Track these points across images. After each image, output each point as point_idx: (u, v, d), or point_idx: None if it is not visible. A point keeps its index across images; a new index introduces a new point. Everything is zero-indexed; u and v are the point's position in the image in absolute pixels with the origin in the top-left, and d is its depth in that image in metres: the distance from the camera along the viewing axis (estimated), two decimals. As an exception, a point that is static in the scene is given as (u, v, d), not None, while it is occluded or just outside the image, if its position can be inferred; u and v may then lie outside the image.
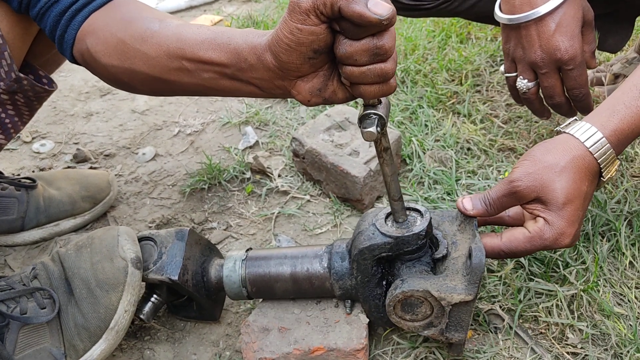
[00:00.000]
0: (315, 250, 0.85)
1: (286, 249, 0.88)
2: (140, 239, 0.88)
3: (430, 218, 0.80)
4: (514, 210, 0.89)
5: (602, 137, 0.79)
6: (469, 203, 0.83)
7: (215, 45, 0.73)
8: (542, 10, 0.94)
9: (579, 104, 1.03)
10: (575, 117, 0.86)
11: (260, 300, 0.90)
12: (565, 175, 0.78)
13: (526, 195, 0.80)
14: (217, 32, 0.75)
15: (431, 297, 0.75)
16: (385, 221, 0.80)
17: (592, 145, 0.79)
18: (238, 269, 0.86)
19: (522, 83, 1.03)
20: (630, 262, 0.96)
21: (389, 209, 0.80)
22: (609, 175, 0.81)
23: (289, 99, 1.43)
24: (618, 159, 0.83)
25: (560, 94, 1.01)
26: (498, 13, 1.00)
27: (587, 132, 0.80)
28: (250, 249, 0.90)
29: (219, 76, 0.74)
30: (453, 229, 0.85)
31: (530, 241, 0.79)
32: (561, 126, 0.84)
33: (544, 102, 1.05)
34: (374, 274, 0.80)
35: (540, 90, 1.03)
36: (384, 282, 0.82)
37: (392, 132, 1.16)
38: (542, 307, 0.90)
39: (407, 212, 0.80)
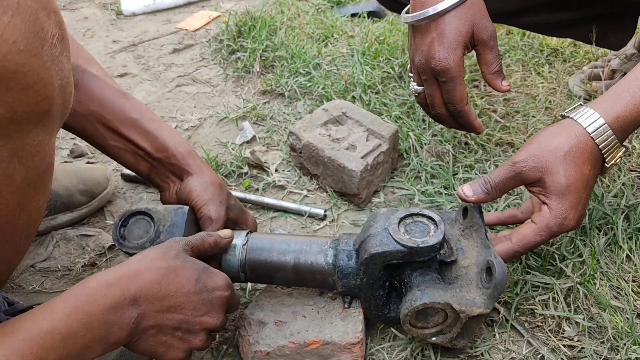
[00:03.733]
0: (320, 244, 0.84)
1: (289, 237, 0.86)
2: (136, 213, 0.86)
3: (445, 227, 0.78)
4: (525, 206, 0.91)
5: (604, 124, 0.79)
6: (469, 190, 0.83)
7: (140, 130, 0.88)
8: (431, 11, 0.95)
9: (457, 119, 1.03)
10: (580, 102, 0.86)
11: (258, 293, 0.90)
12: (567, 160, 0.79)
13: (530, 177, 0.80)
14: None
15: (450, 309, 0.75)
16: (399, 226, 0.78)
17: (594, 132, 0.79)
18: (238, 254, 0.83)
19: (412, 85, 1.05)
20: (627, 256, 0.96)
21: (402, 213, 0.79)
22: (612, 162, 0.82)
23: (286, 94, 1.43)
24: (624, 146, 0.82)
25: (440, 105, 1.02)
26: (403, 14, 1.01)
27: (589, 118, 0.80)
28: (251, 232, 0.88)
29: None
30: (455, 232, 0.84)
31: (539, 232, 0.80)
32: (566, 110, 0.84)
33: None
34: (380, 277, 0.79)
35: None
36: (387, 284, 0.82)
37: (390, 126, 1.16)
38: (539, 300, 0.90)
39: (420, 219, 0.79)
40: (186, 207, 0.86)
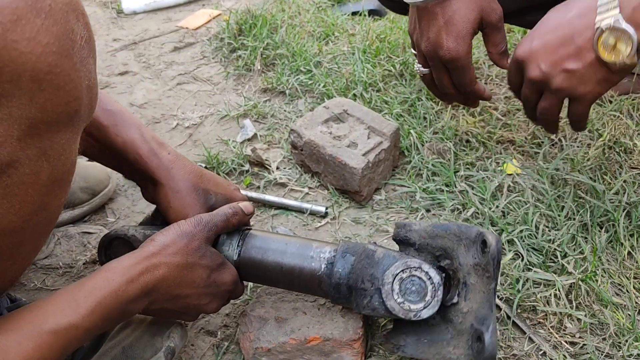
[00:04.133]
0: (316, 256, 0.79)
1: (286, 240, 0.82)
2: (117, 238, 0.83)
3: (442, 296, 0.73)
4: None
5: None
6: None
7: None
8: None
9: (470, 97, 1.04)
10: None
11: (259, 290, 0.90)
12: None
13: None
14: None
15: None
16: (393, 284, 0.73)
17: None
18: (233, 252, 0.81)
19: (418, 67, 1.04)
20: (629, 253, 0.96)
21: (399, 266, 0.73)
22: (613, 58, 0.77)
23: (287, 92, 1.43)
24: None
25: (449, 86, 1.01)
26: None
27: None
28: (248, 229, 0.84)
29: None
30: (469, 260, 0.74)
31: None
32: None
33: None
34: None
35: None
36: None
37: (391, 124, 1.16)
38: (540, 297, 0.90)
39: (418, 274, 0.73)
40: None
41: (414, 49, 1.05)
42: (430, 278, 0.73)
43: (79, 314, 0.62)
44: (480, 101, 1.30)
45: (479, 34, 0.99)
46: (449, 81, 1.00)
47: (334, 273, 0.77)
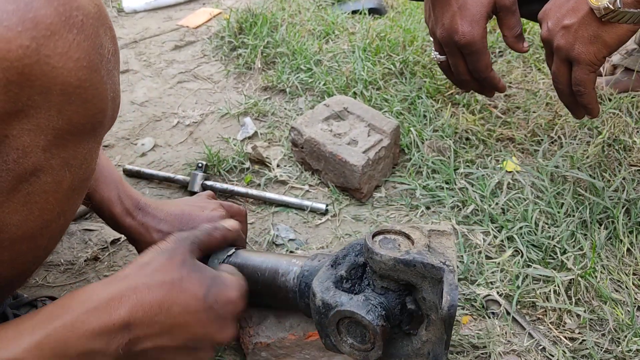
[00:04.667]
0: (288, 266, 0.78)
1: (267, 255, 0.83)
2: None
3: (383, 342, 0.67)
4: None
5: None
6: None
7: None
8: None
9: (485, 85, 1.04)
10: None
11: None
12: None
13: None
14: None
15: None
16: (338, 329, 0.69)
17: None
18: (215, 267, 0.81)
19: (434, 54, 1.04)
20: (628, 250, 0.97)
21: (336, 316, 0.68)
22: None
23: (287, 90, 1.43)
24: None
25: (464, 72, 1.02)
26: None
27: None
28: (237, 248, 0.85)
29: None
30: (432, 298, 0.68)
31: None
32: None
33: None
34: None
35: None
36: None
37: (391, 122, 1.16)
38: (540, 293, 0.90)
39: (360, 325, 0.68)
40: None
41: (431, 37, 1.06)
42: (365, 326, 0.67)
43: (19, 347, 0.53)
44: (480, 99, 1.31)
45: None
46: (465, 67, 1.01)
47: (308, 271, 0.77)
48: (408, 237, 0.70)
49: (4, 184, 0.51)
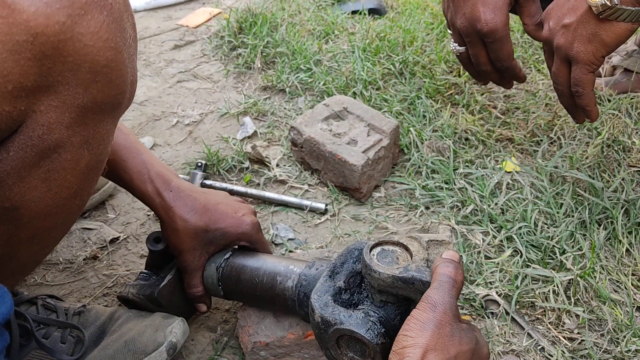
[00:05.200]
0: (288, 276, 0.79)
1: (265, 257, 0.85)
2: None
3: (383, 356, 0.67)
4: None
5: None
6: None
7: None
8: None
9: (505, 75, 1.04)
10: None
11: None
12: None
13: None
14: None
15: None
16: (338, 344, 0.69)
17: None
18: (216, 269, 0.86)
19: (453, 46, 1.04)
20: (627, 250, 0.97)
21: (335, 333, 0.69)
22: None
23: (287, 90, 1.43)
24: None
25: (485, 63, 1.01)
26: None
27: None
28: (234, 250, 0.88)
29: None
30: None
31: None
32: None
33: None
34: None
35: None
36: None
37: (390, 122, 1.16)
38: (539, 293, 0.90)
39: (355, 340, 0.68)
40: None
41: (449, 29, 1.05)
42: (365, 344, 0.67)
43: None
44: (480, 100, 1.31)
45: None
46: (486, 57, 1.00)
47: (308, 279, 0.78)
48: (407, 248, 0.69)
49: (27, 159, 0.53)
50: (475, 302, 0.91)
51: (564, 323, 0.87)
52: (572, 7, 0.84)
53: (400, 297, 0.68)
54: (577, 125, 1.22)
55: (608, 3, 0.78)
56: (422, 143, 1.21)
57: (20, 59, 0.48)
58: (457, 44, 1.03)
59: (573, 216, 1.01)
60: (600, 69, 1.36)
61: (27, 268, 0.71)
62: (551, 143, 1.20)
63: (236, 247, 0.89)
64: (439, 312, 0.60)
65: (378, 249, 0.70)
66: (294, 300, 0.77)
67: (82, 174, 0.59)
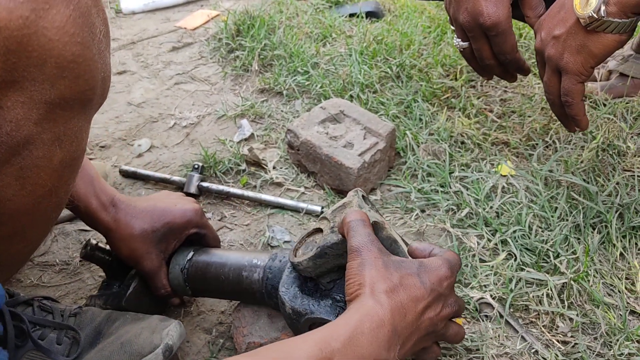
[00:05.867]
0: (253, 270, 0.83)
1: (229, 252, 0.88)
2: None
3: None
4: None
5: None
6: None
7: None
8: None
9: (509, 68, 1.04)
10: None
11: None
12: None
13: None
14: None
15: None
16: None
17: None
18: (181, 268, 0.88)
19: (457, 41, 1.04)
20: (621, 254, 0.97)
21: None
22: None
23: (284, 93, 1.44)
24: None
25: (489, 57, 1.02)
26: None
27: None
28: (197, 248, 0.90)
29: None
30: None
31: None
32: None
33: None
34: None
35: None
36: None
37: (387, 125, 1.17)
38: (533, 296, 0.91)
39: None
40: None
41: (451, 24, 1.05)
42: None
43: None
44: (476, 103, 1.32)
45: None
46: (489, 51, 1.01)
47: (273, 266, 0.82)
48: (320, 230, 0.74)
49: None
50: (469, 305, 0.91)
51: (558, 326, 0.88)
52: (562, 18, 0.85)
53: (342, 270, 0.73)
54: (573, 129, 1.22)
55: (595, 15, 0.78)
56: (418, 146, 1.22)
57: None
58: (460, 40, 1.04)
59: (567, 220, 1.02)
60: (596, 74, 1.36)
61: (13, 266, 0.70)
62: (546, 147, 1.21)
63: (194, 246, 0.91)
64: (365, 253, 0.68)
65: (302, 245, 0.76)
66: (262, 292, 0.81)
67: (56, 171, 0.58)
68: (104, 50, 0.57)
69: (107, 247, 0.90)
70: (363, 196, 0.80)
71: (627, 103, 1.27)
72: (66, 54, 0.51)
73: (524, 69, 1.05)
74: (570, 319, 0.88)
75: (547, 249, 0.96)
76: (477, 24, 0.96)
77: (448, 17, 1.07)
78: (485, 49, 1.00)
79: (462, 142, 1.23)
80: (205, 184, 1.18)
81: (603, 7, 0.78)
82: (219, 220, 1.13)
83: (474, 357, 0.85)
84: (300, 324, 0.74)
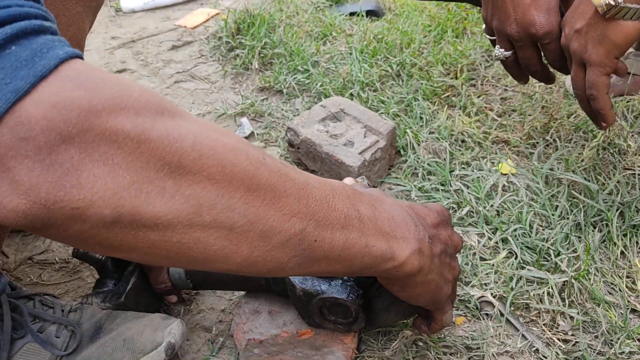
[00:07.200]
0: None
1: None
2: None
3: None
4: None
5: None
6: None
7: None
8: None
9: (549, 73, 1.05)
10: None
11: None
12: None
13: None
14: None
15: None
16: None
17: None
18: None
19: (499, 52, 1.03)
20: (622, 252, 0.97)
21: (318, 301, 0.77)
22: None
23: (284, 91, 1.43)
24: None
25: (536, 64, 1.02)
26: None
27: None
28: None
29: None
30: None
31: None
32: None
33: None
34: None
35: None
36: None
37: (387, 123, 1.17)
38: (534, 295, 0.90)
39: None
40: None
41: (490, 35, 1.05)
42: (348, 307, 0.75)
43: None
44: (477, 102, 1.32)
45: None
46: (537, 59, 1.00)
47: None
48: None
49: None
50: (470, 303, 0.91)
51: (559, 325, 0.88)
52: (582, 11, 0.86)
53: None
54: (573, 128, 1.22)
55: (612, 2, 0.79)
56: (419, 145, 1.21)
57: None
58: (503, 49, 1.02)
59: (568, 218, 1.01)
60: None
61: None
62: (547, 145, 1.20)
63: None
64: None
65: None
66: (267, 279, 0.82)
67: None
68: None
69: None
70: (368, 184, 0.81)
71: (627, 102, 1.27)
72: None
73: (568, 71, 1.04)
74: (571, 318, 0.88)
75: (548, 248, 0.96)
76: (528, 34, 0.96)
77: (484, 28, 1.06)
78: (534, 56, 1.00)
79: (463, 141, 1.23)
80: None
81: None
82: (219, 218, 1.13)
83: (474, 355, 0.85)
84: (310, 305, 0.75)
